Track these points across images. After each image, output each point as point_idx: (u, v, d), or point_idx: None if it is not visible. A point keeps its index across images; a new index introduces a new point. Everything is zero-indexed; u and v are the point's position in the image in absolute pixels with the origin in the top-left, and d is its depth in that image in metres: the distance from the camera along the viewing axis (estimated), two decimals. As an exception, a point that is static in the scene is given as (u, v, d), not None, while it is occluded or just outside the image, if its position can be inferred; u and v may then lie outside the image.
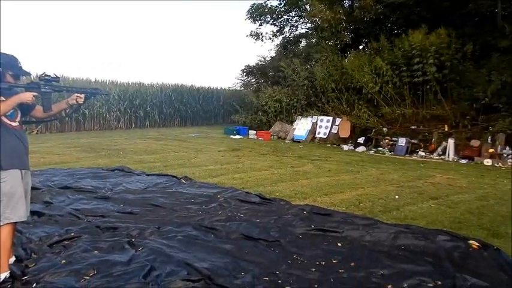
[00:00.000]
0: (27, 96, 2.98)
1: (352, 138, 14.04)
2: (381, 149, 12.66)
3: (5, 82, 2.97)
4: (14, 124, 3.04)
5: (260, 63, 24.62)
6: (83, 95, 3.32)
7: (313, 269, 3.30)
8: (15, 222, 3.04)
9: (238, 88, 25.53)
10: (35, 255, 3.52)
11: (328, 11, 16.53)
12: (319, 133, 15.06)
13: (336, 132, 14.56)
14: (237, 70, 37.26)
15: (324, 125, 15.02)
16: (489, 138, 10.93)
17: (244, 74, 25.58)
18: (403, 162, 10.36)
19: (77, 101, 3.30)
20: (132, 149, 11.22)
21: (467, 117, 12.35)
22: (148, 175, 7.28)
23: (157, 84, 21.85)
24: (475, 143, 11.00)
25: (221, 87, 25.61)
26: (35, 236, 3.98)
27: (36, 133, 15.56)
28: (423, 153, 11.74)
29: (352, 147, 13.24)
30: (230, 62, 49.13)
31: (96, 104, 17.74)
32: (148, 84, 21.48)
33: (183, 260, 3.38)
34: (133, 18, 49.59)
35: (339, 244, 3.90)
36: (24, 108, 3.16)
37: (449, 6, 14.54)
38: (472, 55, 13.09)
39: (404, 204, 5.56)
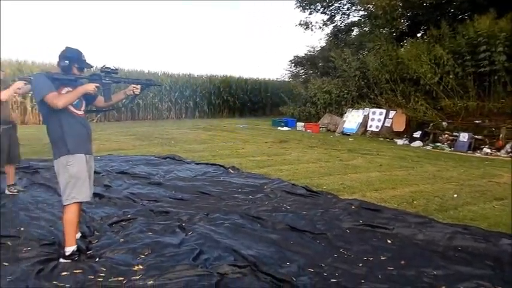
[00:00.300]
0: (91, 87, 3.21)
1: (407, 133, 13.46)
2: (439, 144, 12.03)
3: (71, 74, 3.20)
4: (79, 112, 3.28)
5: (309, 53, 24.30)
6: (139, 86, 3.49)
7: (360, 264, 3.24)
8: (81, 202, 3.30)
9: (287, 79, 25.39)
10: (97, 233, 3.84)
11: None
12: (371, 126, 14.64)
13: (389, 125, 14.06)
14: (285, 61, 37.10)
15: (377, 117, 14.56)
16: None
17: (293, 64, 25.42)
18: (465, 159, 9.79)
19: (133, 92, 3.47)
20: (183, 138, 11.54)
21: None
22: (197, 164, 7.48)
23: (207, 75, 22.24)
24: (552, 141, 10.13)
25: (269, 79, 25.62)
26: (96, 215, 4.32)
27: (96, 121, 16.44)
28: (488, 150, 10.95)
29: (407, 142, 12.72)
30: (279, 52, 48.86)
31: (149, 94, 18.39)
32: (197, 76, 21.91)
33: (230, 246, 3.46)
34: (181, 10, 50.61)
35: (389, 241, 3.81)
36: (88, 98, 3.40)
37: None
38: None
39: (464, 204, 5.26)
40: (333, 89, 16.81)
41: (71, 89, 3.16)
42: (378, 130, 14.38)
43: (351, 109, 15.71)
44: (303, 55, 24.57)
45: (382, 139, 13.66)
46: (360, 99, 16.02)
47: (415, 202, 5.32)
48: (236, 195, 5.35)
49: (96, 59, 3.36)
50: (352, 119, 15.22)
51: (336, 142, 12.20)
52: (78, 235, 3.48)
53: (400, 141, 12.87)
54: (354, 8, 21.34)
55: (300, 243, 3.67)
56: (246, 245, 3.52)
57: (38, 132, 11.22)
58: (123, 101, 3.76)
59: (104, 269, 3.01)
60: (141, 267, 3.08)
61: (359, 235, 3.94)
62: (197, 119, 20.15)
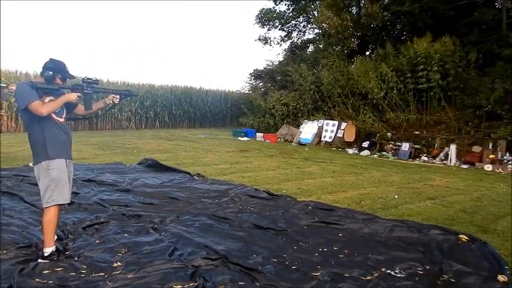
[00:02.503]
0: (73, 96, 3.44)
1: (356, 143, 14.45)
2: (384, 153, 13.04)
3: (54, 84, 3.42)
4: (61, 120, 3.48)
5: (268, 67, 25.17)
6: (118, 96, 3.78)
7: (316, 254, 3.74)
8: (60, 205, 3.47)
9: (247, 91, 26.03)
10: (72, 236, 4.00)
11: (335, 18, 17.00)
12: (324, 137, 15.47)
13: (341, 136, 14.96)
14: (245, 73, 37.91)
15: (330, 129, 15.43)
16: (490, 145, 11.26)
17: (253, 77, 26.16)
18: (406, 166, 10.77)
19: (113, 101, 3.75)
20: (145, 147, 11.71)
21: (470, 123, 12.66)
22: (162, 171, 7.73)
23: (168, 86, 22.35)
24: (476, 149, 11.38)
25: (229, 90, 26.14)
26: (69, 220, 4.48)
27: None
28: (426, 158, 12.10)
29: (356, 151, 13.64)
30: (239, 65, 49.71)
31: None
32: (158, 86, 21.97)
33: (201, 243, 3.83)
34: (142, 19, 50.35)
35: (340, 235, 4.35)
36: (69, 107, 3.60)
37: (454, 15, 14.96)
38: (476, 63, 13.45)
39: (403, 203, 5.99)
40: (290, 101, 17.68)
41: (53, 98, 3.36)
42: (331, 140, 15.24)
43: (306, 121, 16.50)
44: (262, 69, 25.50)
45: (334, 148, 14.51)
46: (315, 112, 16.96)
47: (362, 202, 5.97)
48: (203, 199, 5.71)
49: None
50: (308, 130, 15.98)
51: (293, 151, 12.84)
52: (54, 238, 3.57)
53: (350, 151, 13.77)
54: (309, 26, 22.56)
55: (264, 238, 4.12)
56: (216, 242, 3.90)
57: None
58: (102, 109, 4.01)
59: (85, 266, 3.20)
60: (120, 263, 3.32)
61: (315, 230, 4.44)
62: (158, 129, 20.18)
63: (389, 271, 3.37)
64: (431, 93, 13.59)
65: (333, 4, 17.23)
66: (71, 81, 3.71)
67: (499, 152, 10.79)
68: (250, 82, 26.49)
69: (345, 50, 18.39)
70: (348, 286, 3.04)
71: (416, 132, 13.50)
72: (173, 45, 49.73)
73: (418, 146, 12.81)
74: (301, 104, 17.45)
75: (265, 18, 22.36)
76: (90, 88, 3.62)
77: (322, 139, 15.50)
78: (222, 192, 6.19)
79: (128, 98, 6.77)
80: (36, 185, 5.94)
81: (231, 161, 9.73)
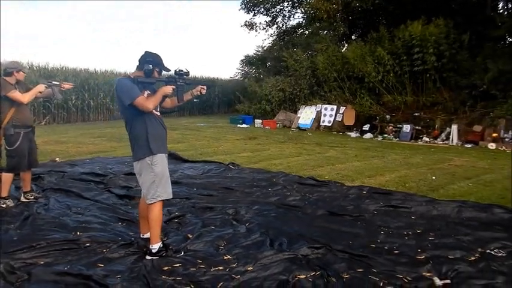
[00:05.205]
0: (169, 89, 3.38)
1: (356, 126, 14.71)
2: (386, 135, 13.35)
3: (152, 78, 3.35)
4: (159, 114, 3.44)
5: (258, 53, 25.03)
6: (205, 86, 3.70)
7: (406, 238, 3.86)
8: (164, 200, 3.39)
9: (239, 78, 25.81)
10: None
11: (326, 2, 17.04)
12: (323, 121, 15.64)
13: (340, 120, 15.16)
14: (232, 60, 37.44)
15: (329, 113, 15.60)
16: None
17: (244, 64, 25.96)
18: (413, 147, 11.09)
19: (200, 92, 3.66)
20: (154, 138, 11.51)
21: (467, 104, 13.14)
22: (193, 162, 7.72)
23: (155, 73, 21.83)
24: (477, 128, 11.83)
25: (217, 77, 25.86)
26: None
27: (45, 124, 15.57)
28: (427, 139, 12.50)
29: (358, 134, 13.91)
30: (229, 52, 48.94)
31: (100, 94, 17.81)
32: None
33: (293, 232, 3.90)
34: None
35: (413, 217, 4.51)
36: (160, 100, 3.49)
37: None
38: (469, 44, 13.92)
39: (445, 184, 6.21)
40: (286, 87, 17.74)
41: (149, 92, 3.31)
42: (330, 125, 15.41)
43: (304, 106, 16.61)
44: (253, 55, 25.29)
45: (335, 133, 14.69)
46: (311, 96, 17.06)
47: (407, 185, 6.16)
48: (256, 188, 5.76)
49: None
50: (305, 115, 16.11)
51: (299, 137, 12.96)
52: (148, 235, 3.46)
53: (353, 134, 14.03)
54: (294, 11, 22.48)
55: (346, 225, 4.22)
56: (305, 230, 3.97)
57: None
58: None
59: (200, 261, 3.19)
60: (229, 257, 3.31)
61: (388, 214, 4.59)
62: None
63: (488, 251, 3.50)
64: (427, 75, 14.01)
65: (324, -11, 17.23)
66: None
67: (501, 131, 11.26)
68: (242, 68, 26.32)
69: (336, 34, 18.51)
70: (464, 268, 3.13)
71: (416, 114, 13.83)
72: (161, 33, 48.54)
73: (419, 127, 13.19)
74: (298, 89, 17.51)
75: (250, 3, 22.12)
76: (182, 80, 3.54)
77: (321, 123, 15.67)
78: (269, 180, 6.24)
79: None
80: (80, 180, 6.02)
81: (250, 149, 9.76)
